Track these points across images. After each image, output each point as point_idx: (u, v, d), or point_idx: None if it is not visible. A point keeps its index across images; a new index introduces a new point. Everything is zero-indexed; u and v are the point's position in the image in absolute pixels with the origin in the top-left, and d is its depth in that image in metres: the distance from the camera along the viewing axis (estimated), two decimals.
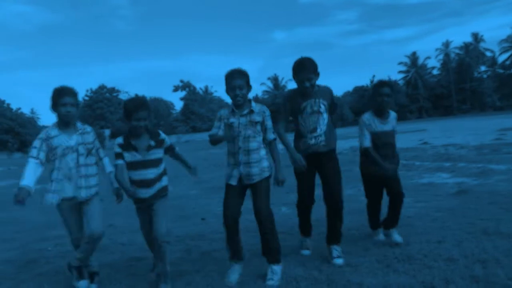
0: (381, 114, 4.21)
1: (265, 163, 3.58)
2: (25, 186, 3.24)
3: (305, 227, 4.26)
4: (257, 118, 3.53)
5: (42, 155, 3.42)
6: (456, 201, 6.05)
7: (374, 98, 4.20)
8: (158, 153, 3.57)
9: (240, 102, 3.49)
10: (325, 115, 3.87)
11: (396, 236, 4.18)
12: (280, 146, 3.76)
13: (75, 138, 3.51)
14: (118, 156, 3.50)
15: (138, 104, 3.45)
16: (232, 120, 3.53)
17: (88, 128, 3.65)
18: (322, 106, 3.84)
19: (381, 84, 4.20)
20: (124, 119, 3.51)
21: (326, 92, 3.92)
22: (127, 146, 3.49)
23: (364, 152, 4.24)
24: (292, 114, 3.94)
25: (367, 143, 4.18)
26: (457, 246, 3.90)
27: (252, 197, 3.56)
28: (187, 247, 4.73)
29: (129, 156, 3.48)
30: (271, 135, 3.61)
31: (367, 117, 4.24)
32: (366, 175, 4.38)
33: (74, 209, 3.52)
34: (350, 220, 5.22)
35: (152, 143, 3.52)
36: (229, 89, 3.50)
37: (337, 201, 3.83)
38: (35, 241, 5.66)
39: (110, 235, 5.54)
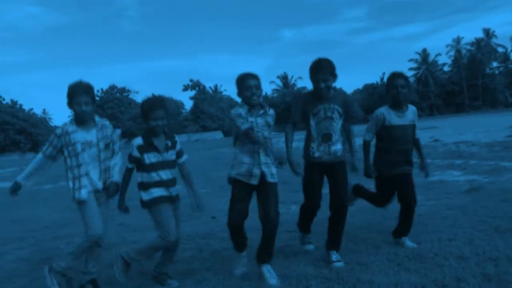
0: (398, 107, 4.05)
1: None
2: (18, 182, 3.50)
3: (306, 226, 4.24)
4: (271, 121, 3.61)
5: (49, 151, 3.48)
6: (468, 199, 6.00)
7: (389, 91, 4.05)
8: (173, 154, 3.55)
9: (255, 101, 3.52)
10: (339, 122, 3.79)
11: (409, 243, 4.04)
12: (282, 145, 3.82)
13: (94, 133, 3.51)
14: (132, 160, 3.44)
15: (154, 103, 3.45)
16: (251, 119, 3.52)
17: (106, 122, 3.65)
18: (336, 112, 3.76)
19: (395, 75, 4.04)
20: (142, 120, 3.51)
21: (342, 97, 3.83)
22: (148, 147, 3.43)
23: (366, 144, 4.17)
24: (304, 117, 3.85)
25: (368, 136, 4.15)
26: (468, 244, 3.88)
27: (260, 198, 3.55)
28: (197, 246, 4.76)
29: (150, 157, 3.42)
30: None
31: (381, 111, 4.08)
32: (377, 171, 4.23)
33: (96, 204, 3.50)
34: (360, 218, 5.21)
35: (169, 143, 3.51)
36: (245, 89, 3.50)
37: (343, 207, 3.78)
38: (48, 240, 5.73)
39: (121, 233, 5.59)
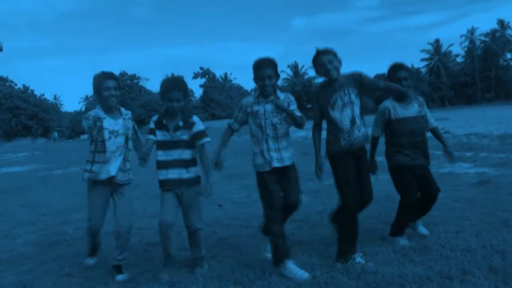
0: (402, 99, 3.91)
1: (291, 151, 3.60)
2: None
3: (354, 234, 3.60)
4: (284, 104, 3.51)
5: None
6: (477, 192, 5.95)
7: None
8: (185, 135, 3.52)
9: (268, 92, 3.49)
10: (358, 103, 3.63)
11: (422, 228, 4.10)
12: (301, 133, 3.75)
13: (121, 123, 3.61)
14: (151, 131, 3.55)
15: (171, 85, 3.49)
16: (256, 108, 3.52)
17: (130, 114, 3.75)
18: (352, 95, 3.60)
19: (397, 67, 3.91)
20: (160, 98, 3.57)
21: (351, 78, 3.65)
22: (159, 125, 3.53)
23: (375, 141, 4.06)
24: (322, 113, 3.69)
25: (376, 133, 4.02)
26: (475, 236, 3.85)
27: (282, 183, 3.55)
28: (204, 233, 4.77)
29: (160, 135, 3.52)
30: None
31: (386, 105, 3.96)
32: (394, 164, 3.94)
33: (105, 195, 3.61)
34: (367, 209, 5.18)
35: (180, 123, 3.51)
36: (258, 79, 3.48)
37: (369, 199, 3.79)
38: (57, 224, 5.81)
39: None
